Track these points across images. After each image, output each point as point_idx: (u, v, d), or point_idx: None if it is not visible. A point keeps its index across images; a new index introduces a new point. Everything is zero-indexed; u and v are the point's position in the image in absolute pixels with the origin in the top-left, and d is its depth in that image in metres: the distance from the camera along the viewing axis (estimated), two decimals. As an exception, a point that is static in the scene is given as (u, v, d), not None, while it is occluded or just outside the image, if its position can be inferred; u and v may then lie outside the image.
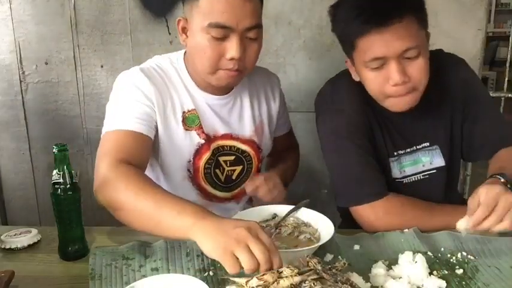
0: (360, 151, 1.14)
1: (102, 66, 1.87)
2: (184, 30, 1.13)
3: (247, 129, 1.27)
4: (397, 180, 1.22)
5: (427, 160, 1.23)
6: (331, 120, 1.19)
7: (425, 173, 1.23)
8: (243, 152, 1.26)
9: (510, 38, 2.07)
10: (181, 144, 1.18)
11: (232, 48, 1.04)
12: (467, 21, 1.79)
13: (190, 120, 1.18)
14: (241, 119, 1.26)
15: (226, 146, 1.24)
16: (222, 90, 1.21)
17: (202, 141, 1.19)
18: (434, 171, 1.23)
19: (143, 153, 1.08)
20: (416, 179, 1.23)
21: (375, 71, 1.05)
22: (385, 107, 1.13)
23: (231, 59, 1.05)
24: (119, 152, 1.02)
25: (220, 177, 1.26)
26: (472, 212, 0.92)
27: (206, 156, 1.21)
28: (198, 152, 1.20)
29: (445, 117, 1.21)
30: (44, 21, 1.84)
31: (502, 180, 0.97)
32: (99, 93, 1.91)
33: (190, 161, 1.21)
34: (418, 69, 1.04)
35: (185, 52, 1.22)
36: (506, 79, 2.12)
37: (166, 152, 1.19)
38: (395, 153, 1.21)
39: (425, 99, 1.15)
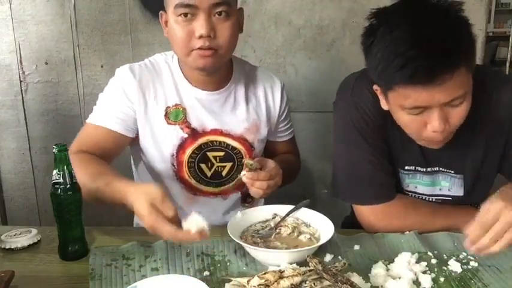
0: (372, 150, 1.09)
1: (102, 66, 1.87)
2: (166, 23, 1.17)
3: (239, 125, 1.26)
4: (405, 192, 1.16)
5: (446, 186, 1.13)
6: (348, 111, 1.11)
7: (440, 197, 1.15)
8: (234, 148, 1.26)
9: (510, 38, 2.08)
10: (163, 138, 1.21)
11: (199, 26, 1.07)
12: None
13: (173, 115, 1.21)
14: (233, 115, 1.26)
15: (216, 141, 1.24)
16: (213, 85, 1.23)
17: (186, 136, 1.22)
18: (450, 199, 1.14)
19: (109, 147, 1.18)
20: (427, 199, 1.15)
21: (412, 115, 0.95)
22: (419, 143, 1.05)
23: (200, 36, 1.07)
24: (82, 142, 1.17)
25: (206, 172, 1.26)
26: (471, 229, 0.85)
27: (190, 150, 1.22)
28: (181, 147, 1.22)
29: (478, 145, 1.08)
30: (44, 21, 1.83)
31: None
32: (99, 93, 1.90)
33: (173, 155, 1.23)
34: (460, 116, 0.94)
35: None
36: (506, 79, 2.11)
37: (148, 146, 1.23)
38: (406, 167, 1.13)
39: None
